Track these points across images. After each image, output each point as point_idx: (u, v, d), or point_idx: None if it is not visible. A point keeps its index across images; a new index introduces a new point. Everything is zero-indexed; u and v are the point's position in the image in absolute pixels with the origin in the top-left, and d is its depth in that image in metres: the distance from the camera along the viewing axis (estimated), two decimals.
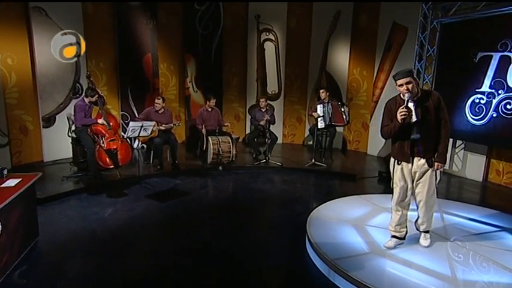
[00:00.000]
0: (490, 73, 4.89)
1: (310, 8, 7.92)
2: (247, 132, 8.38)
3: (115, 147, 5.04)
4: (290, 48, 8.13)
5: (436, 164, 3.06)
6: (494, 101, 4.91)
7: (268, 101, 7.93)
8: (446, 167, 6.09)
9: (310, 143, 8.17)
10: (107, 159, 4.97)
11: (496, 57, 4.80)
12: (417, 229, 3.35)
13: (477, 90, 5.02)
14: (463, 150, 5.81)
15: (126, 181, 5.15)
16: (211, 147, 5.91)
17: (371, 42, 7.25)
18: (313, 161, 6.22)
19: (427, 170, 3.09)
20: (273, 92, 8.34)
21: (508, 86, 4.74)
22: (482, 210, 4.18)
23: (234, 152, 6.06)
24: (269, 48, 8.20)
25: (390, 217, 3.32)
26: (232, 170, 5.96)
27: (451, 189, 5.64)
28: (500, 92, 4.83)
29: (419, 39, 5.58)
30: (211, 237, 3.60)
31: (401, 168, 3.14)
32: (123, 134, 5.47)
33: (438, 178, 3.24)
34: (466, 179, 5.77)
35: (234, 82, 8.33)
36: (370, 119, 7.54)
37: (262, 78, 8.31)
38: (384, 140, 7.16)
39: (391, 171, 3.21)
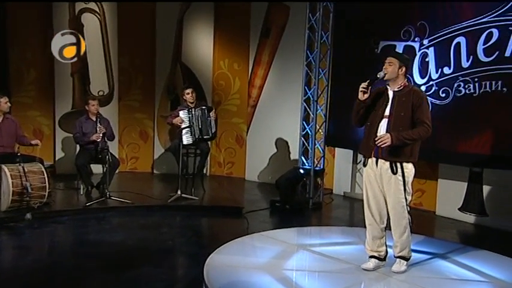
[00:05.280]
0: None
1: None
2: (58, 157, 7.83)
3: None
4: (125, 26, 7.98)
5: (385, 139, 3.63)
6: None
7: None
8: (348, 189, 7.07)
9: (165, 169, 8.17)
10: None
11: (399, 47, 5.81)
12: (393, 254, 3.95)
13: None
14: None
15: None
16: (10, 182, 5.30)
17: (242, 24, 7.84)
18: (178, 193, 6.24)
19: (391, 178, 3.72)
20: (101, 93, 8.01)
21: (415, 82, 5.78)
22: None
23: (49, 189, 5.61)
24: (91, 24, 7.89)
25: None
26: (51, 218, 5.51)
27: (357, 215, 6.53)
28: None
29: (310, 22, 6.36)
30: None
31: (368, 171, 3.87)
32: None
33: (409, 196, 3.79)
34: None
35: (31, 76, 7.79)
36: (247, 131, 8.00)
37: (82, 71, 7.93)
38: (267, 161, 7.75)
39: None
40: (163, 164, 8.19)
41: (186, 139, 6.36)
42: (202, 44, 8.08)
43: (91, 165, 6.67)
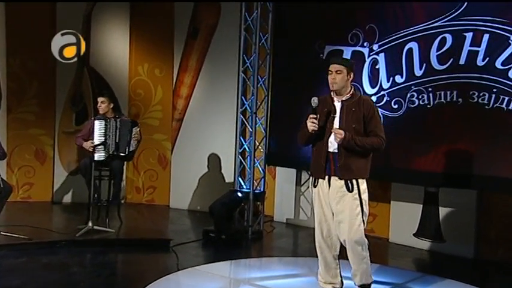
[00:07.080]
0: None
1: None
2: None
3: None
4: (15, 21, 7.82)
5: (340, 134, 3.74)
6: None
7: None
8: (291, 215, 7.20)
9: (69, 197, 8.00)
10: None
11: (347, 52, 6.04)
12: (354, 283, 4.02)
13: None
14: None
15: None
16: None
17: (165, 22, 7.87)
18: (89, 225, 6.08)
19: (346, 197, 3.82)
20: None
21: (364, 92, 5.98)
22: None
23: None
24: None
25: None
26: None
27: (302, 245, 6.67)
28: None
29: (246, 22, 6.47)
30: None
31: (319, 192, 3.98)
32: None
33: (366, 213, 3.94)
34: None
35: None
36: (172, 150, 7.98)
37: None
38: (196, 184, 7.75)
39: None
40: (67, 191, 7.98)
41: (98, 154, 6.25)
42: (115, 46, 8.02)
43: None
